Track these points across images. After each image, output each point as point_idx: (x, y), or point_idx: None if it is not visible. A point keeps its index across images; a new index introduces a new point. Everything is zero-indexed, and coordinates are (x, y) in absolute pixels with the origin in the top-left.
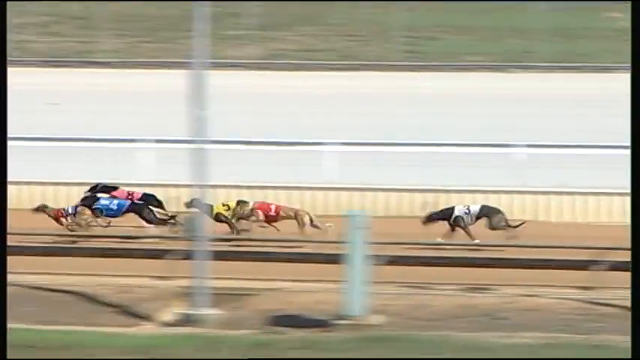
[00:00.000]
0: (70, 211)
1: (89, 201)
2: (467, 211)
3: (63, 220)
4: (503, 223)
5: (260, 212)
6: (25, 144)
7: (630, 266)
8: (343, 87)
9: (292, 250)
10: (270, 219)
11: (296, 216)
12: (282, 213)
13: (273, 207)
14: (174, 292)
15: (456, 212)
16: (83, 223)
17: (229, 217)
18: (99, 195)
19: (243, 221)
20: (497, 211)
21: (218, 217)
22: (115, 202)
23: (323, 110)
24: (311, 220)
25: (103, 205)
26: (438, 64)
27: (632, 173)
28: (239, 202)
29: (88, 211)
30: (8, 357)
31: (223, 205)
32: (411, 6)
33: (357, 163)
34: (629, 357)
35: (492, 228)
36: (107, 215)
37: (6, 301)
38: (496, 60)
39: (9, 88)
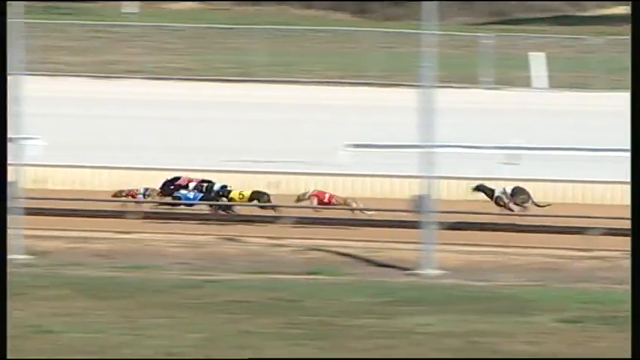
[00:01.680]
0: (142, 191)
1: (170, 189)
2: (503, 191)
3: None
4: (529, 202)
5: (315, 199)
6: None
7: (630, 267)
8: None
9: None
10: (324, 204)
11: (345, 203)
12: (334, 201)
13: (327, 195)
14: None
15: (496, 193)
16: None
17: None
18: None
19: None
20: (524, 192)
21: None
22: (192, 193)
23: None
24: (357, 207)
25: (182, 194)
26: None
27: (632, 173)
28: (254, 192)
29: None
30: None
31: (239, 193)
32: None
33: None
34: (629, 357)
35: (516, 204)
36: (185, 204)
37: (6, 301)
38: None
39: None
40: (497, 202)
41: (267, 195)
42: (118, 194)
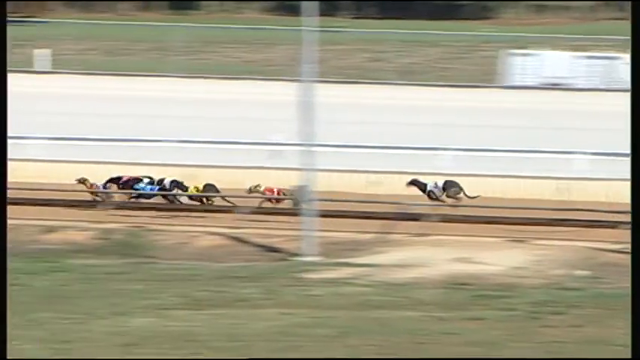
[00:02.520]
0: (100, 187)
1: (131, 182)
2: (435, 185)
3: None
4: (459, 194)
5: (267, 193)
6: None
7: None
8: None
9: None
10: (274, 199)
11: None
12: (281, 194)
13: (275, 190)
14: None
15: (429, 187)
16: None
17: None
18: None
19: None
20: (455, 184)
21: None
22: (149, 187)
23: None
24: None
25: (140, 187)
26: None
27: (632, 173)
28: (206, 185)
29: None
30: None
31: (194, 187)
32: None
33: None
34: (629, 357)
35: (448, 196)
36: (141, 196)
37: (6, 301)
38: None
39: None
40: (430, 195)
41: (216, 188)
42: (81, 180)
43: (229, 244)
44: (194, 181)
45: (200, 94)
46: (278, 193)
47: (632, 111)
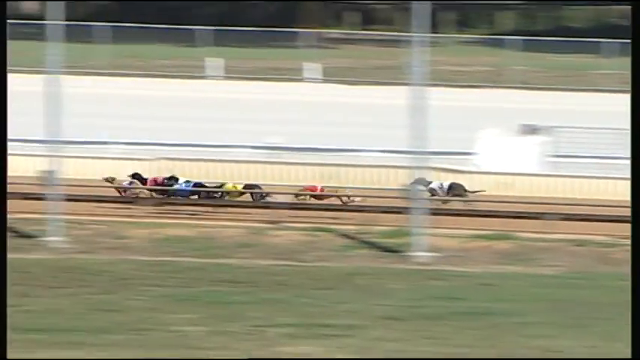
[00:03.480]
0: (125, 184)
1: (170, 181)
2: (440, 185)
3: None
4: (463, 192)
5: (309, 191)
6: None
7: (630, 265)
8: None
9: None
10: (316, 196)
11: (335, 192)
12: (325, 191)
13: (319, 187)
14: None
15: (432, 185)
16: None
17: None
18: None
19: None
20: (460, 185)
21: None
22: (184, 185)
23: None
24: (348, 197)
25: (178, 186)
26: None
27: (632, 173)
28: (246, 185)
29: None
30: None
31: (233, 185)
32: None
33: None
34: (630, 357)
35: (454, 195)
36: (179, 195)
37: (6, 301)
38: None
39: None
40: (432, 193)
41: (259, 187)
42: (109, 180)
43: None
44: None
45: None
46: (321, 190)
47: (632, 111)
